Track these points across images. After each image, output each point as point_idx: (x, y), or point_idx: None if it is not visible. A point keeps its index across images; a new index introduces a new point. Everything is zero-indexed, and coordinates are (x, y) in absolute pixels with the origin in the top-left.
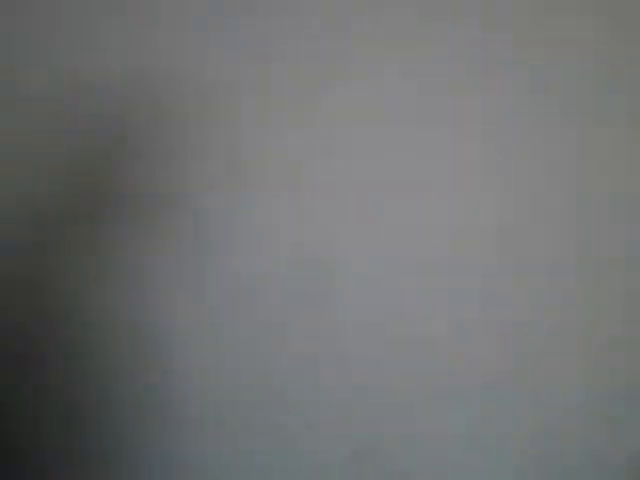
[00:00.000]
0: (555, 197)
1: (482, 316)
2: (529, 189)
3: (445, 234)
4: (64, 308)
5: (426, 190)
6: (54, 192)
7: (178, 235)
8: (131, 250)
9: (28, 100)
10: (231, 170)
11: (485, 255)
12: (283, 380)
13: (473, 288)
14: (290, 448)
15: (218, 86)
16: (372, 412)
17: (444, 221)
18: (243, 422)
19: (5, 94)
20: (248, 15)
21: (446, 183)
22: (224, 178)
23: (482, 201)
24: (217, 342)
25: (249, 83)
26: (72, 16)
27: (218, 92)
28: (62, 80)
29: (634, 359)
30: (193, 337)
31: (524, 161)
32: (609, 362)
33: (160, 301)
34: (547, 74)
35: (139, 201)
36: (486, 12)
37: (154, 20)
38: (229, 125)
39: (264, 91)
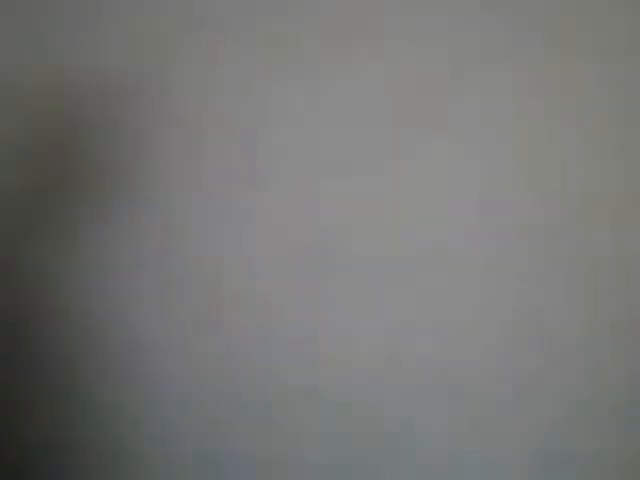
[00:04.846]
0: (556, 196)
1: (482, 314)
2: (524, 186)
3: (445, 233)
4: (39, 306)
5: (427, 188)
6: (49, 191)
7: (178, 232)
8: (132, 249)
9: (27, 97)
10: (231, 169)
11: (485, 254)
12: (282, 379)
13: (473, 287)
14: (289, 446)
15: (219, 85)
16: (372, 411)
17: (445, 219)
18: (240, 419)
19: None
20: (248, 15)
21: (446, 182)
22: (225, 176)
23: (481, 201)
24: (215, 342)
25: (249, 82)
26: (69, 15)
27: (220, 91)
28: (61, 78)
29: (635, 359)
30: (193, 333)
31: (525, 160)
32: (610, 362)
33: (158, 295)
34: (547, 73)
35: (138, 199)
36: (485, 10)
37: (151, 19)
38: (229, 123)
39: (264, 90)
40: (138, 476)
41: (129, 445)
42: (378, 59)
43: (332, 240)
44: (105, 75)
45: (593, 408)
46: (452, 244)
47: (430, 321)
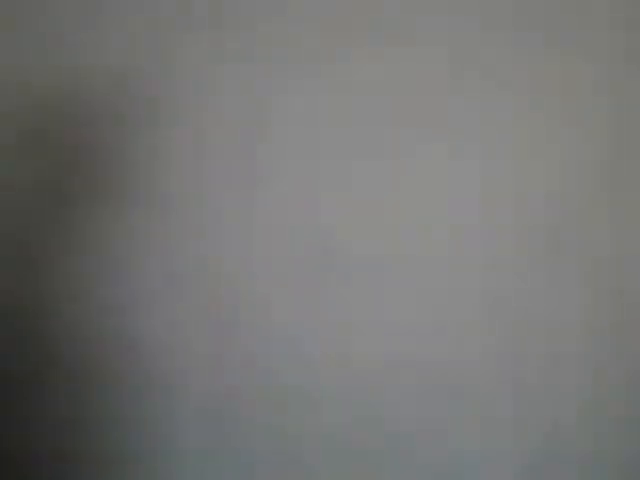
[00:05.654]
0: (556, 196)
1: (482, 314)
2: (518, 188)
3: (446, 233)
4: (46, 309)
5: (427, 188)
6: (48, 189)
7: (178, 232)
8: (133, 249)
9: (26, 97)
10: (231, 169)
11: (485, 254)
12: (282, 379)
13: (473, 287)
14: (291, 445)
15: (219, 85)
16: (371, 411)
17: (445, 220)
18: (240, 419)
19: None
20: (248, 15)
21: (446, 182)
22: (225, 176)
23: (481, 201)
24: (215, 341)
25: (249, 82)
26: (70, 15)
27: (220, 91)
28: (61, 78)
29: (635, 359)
30: (197, 333)
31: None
32: (610, 362)
33: (159, 295)
34: (547, 73)
35: (138, 199)
36: (485, 10)
37: (153, 19)
38: (229, 123)
39: (264, 90)
40: (138, 474)
41: (127, 444)
42: (378, 59)
43: (332, 240)
44: (105, 75)
45: (593, 408)
46: (452, 244)
47: (430, 321)
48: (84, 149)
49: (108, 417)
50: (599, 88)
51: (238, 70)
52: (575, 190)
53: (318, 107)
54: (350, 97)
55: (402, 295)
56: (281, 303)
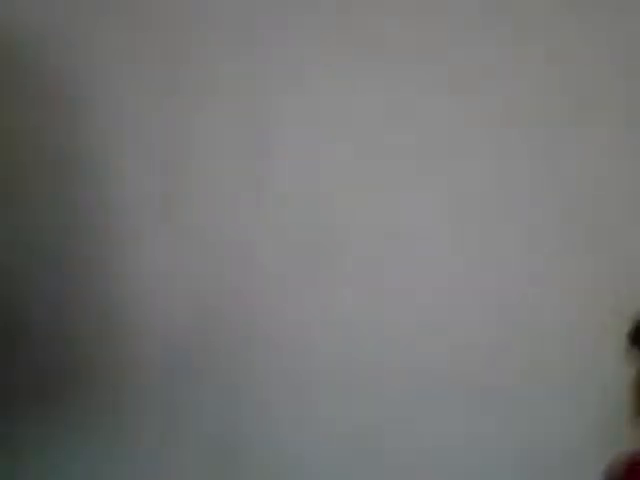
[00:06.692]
0: (556, 196)
1: (482, 313)
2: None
3: (446, 234)
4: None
5: (427, 188)
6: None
7: (178, 231)
8: (134, 249)
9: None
10: (231, 168)
11: (485, 253)
12: (281, 379)
13: (471, 287)
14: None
15: (219, 84)
16: (372, 411)
17: (445, 222)
18: (240, 418)
19: None
20: (248, 15)
21: (446, 182)
22: (225, 176)
23: (482, 201)
24: (216, 340)
25: (249, 82)
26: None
27: (220, 91)
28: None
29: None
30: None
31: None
32: (610, 362)
33: (160, 295)
34: (546, 75)
35: (139, 198)
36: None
37: (151, 18)
38: (228, 123)
39: (264, 90)
40: (135, 473)
41: (127, 444)
42: (378, 59)
43: (332, 240)
44: (104, 75)
45: (594, 408)
46: (452, 244)
47: (430, 320)
48: (85, 154)
49: (107, 417)
50: (599, 89)
51: (238, 70)
52: (575, 190)
53: (318, 107)
54: (350, 96)
55: (402, 294)
56: (281, 302)
